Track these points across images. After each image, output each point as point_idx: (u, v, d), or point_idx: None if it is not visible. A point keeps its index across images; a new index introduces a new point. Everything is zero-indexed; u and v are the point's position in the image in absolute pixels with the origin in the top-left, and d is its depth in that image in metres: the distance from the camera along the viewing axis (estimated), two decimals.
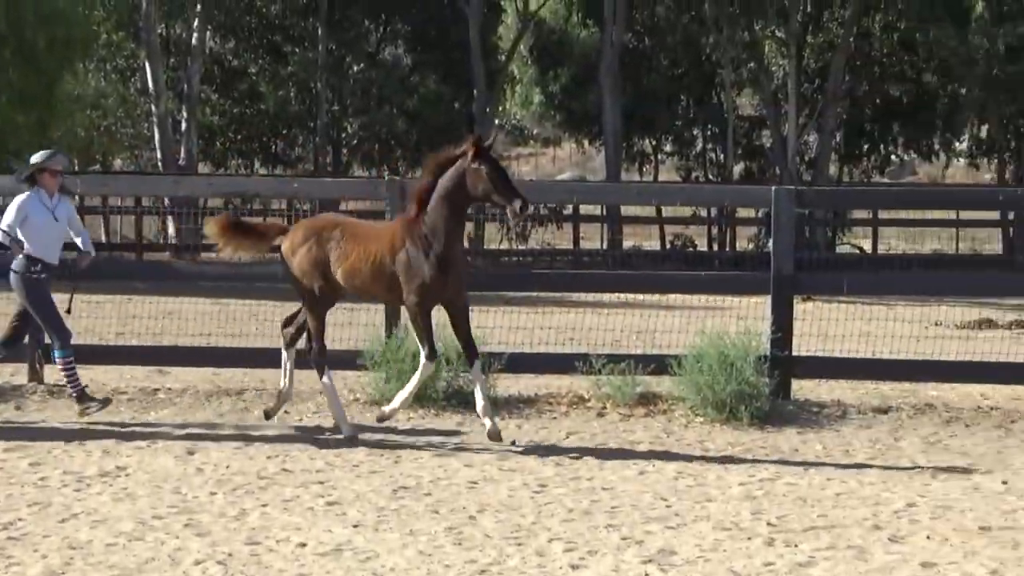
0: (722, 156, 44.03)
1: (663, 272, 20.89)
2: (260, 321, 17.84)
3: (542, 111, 47.38)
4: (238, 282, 17.56)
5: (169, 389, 14.31)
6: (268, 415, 12.77)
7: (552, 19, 45.49)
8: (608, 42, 39.84)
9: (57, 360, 12.95)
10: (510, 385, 14.13)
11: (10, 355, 13.41)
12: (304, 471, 10.95)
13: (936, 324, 21.11)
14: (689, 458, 11.71)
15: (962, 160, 46.78)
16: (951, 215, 38.38)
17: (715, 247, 39.14)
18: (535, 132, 59.29)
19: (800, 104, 39.49)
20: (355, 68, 45.50)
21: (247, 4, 45.20)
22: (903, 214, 38.02)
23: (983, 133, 43.12)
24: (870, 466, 11.59)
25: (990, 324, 21.82)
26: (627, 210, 37.40)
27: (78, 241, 13.30)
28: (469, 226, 24.72)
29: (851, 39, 39.32)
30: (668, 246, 39.92)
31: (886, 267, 31.36)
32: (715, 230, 39.88)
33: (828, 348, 16.00)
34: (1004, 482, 10.91)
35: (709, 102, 44.90)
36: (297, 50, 45.41)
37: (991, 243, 41.84)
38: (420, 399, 13.11)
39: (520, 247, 36.37)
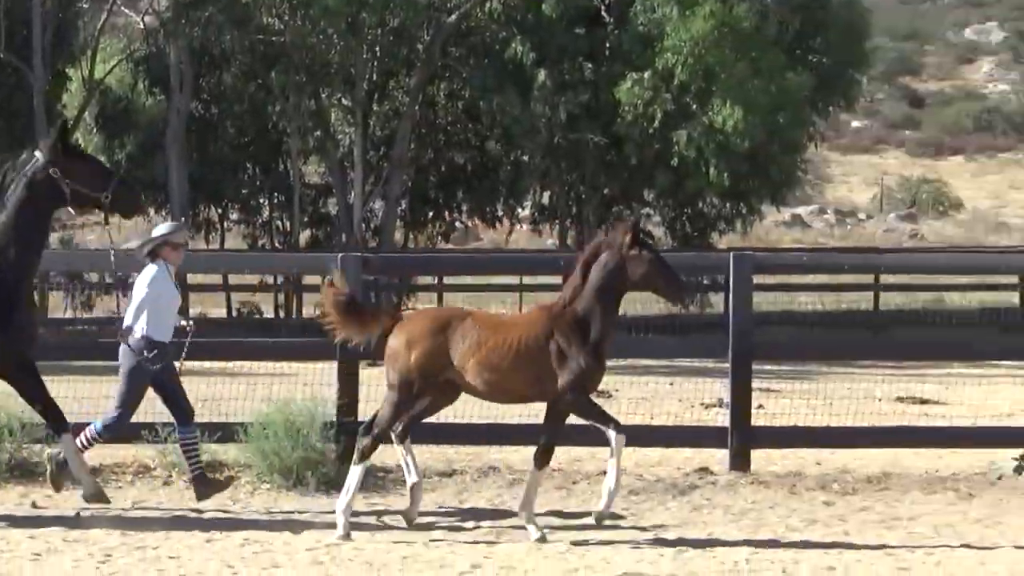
0: (288, 223, 44.00)
1: (233, 339, 20.72)
2: None
3: None
4: None
5: None
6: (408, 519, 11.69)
7: (118, 87, 44.72)
8: (174, 110, 39.46)
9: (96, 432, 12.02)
10: None
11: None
12: None
13: None
14: (256, 524, 11.64)
15: (525, 226, 47.95)
16: (515, 280, 39.35)
17: (282, 314, 39.11)
18: None
19: (366, 171, 39.84)
20: None
21: None
22: (468, 279, 38.73)
23: (545, 199, 44.30)
24: (436, 528, 11.73)
25: None
26: (193, 278, 36.99)
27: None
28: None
29: (416, 107, 39.93)
30: (235, 313, 39.67)
31: None
32: (281, 297, 39.88)
33: None
34: (573, 543, 11.18)
35: (276, 170, 44.83)
36: None
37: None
38: None
39: (84, 315, 35.59)
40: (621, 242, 11.34)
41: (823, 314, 38.59)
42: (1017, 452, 14.37)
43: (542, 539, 11.14)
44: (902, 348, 19.04)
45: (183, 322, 12.46)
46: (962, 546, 11.15)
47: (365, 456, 11.41)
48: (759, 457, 14.00)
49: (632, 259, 11.31)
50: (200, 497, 12.14)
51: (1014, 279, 38.28)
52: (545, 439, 11.42)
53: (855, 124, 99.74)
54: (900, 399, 19.68)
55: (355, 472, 11.32)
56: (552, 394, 11.29)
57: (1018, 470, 14.18)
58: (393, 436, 11.52)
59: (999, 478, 13.98)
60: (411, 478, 11.62)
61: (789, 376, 18.80)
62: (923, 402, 19.81)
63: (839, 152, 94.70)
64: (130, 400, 12.09)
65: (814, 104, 39.75)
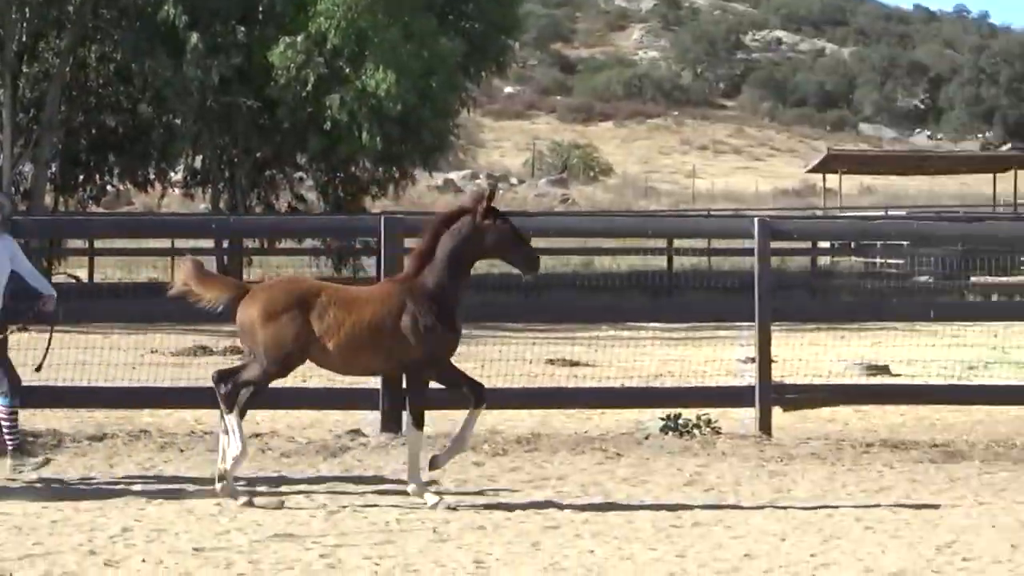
0: None
1: None
2: None
3: None
4: None
5: None
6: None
7: None
8: None
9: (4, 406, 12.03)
10: None
11: None
12: None
13: (152, 352, 21.23)
14: None
15: (177, 190, 47.23)
16: (167, 243, 38.79)
17: None
18: None
19: (15, 134, 38.66)
20: None
21: None
22: (119, 243, 37.95)
23: (198, 163, 43.71)
24: (85, 492, 11.52)
25: (205, 351, 22.14)
26: None
27: (32, 283, 12.29)
28: None
29: (67, 69, 38.94)
30: None
31: (104, 295, 31.18)
32: None
33: (45, 378, 15.74)
34: (217, 504, 11.10)
35: None
36: None
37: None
38: None
39: None
40: (476, 210, 11.36)
41: (476, 277, 38.93)
42: (663, 412, 14.83)
43: (437, 505, 11.11)
44: (553, 311, 19.36)
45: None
46: (609, 504, 11.46)
47: (230, 405, 11.20)
48: None
49: (487, 228, 11.38)
50: (13, 469, 12.09)
51: (662, 243, 39.34)
52: (413, 406, 11.40)
53: (508, 90, 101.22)
54: (551, 361, 20.07)
55: (231, 419, 11.18)
56: (410, 365, 11.32)
57: (664, 429, 14.63)
58: (226, 403, 11.24)
59: (646, 438, 14.39)
60: (238, 446, 11.27)
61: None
62: (573, 364, 20.24)
63: (492, 117, 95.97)
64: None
65: (466, 69, 40.13)
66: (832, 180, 56.34)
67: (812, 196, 68.35)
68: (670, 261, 39.82)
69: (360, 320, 11.17)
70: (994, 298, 31.56)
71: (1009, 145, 65.67)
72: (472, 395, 11.46)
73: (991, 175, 55.06)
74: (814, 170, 57.88)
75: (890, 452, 13.73)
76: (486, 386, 11.70)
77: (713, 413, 14.56)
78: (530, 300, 28.00)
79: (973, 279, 33.76)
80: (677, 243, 39.33)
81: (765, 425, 14.27)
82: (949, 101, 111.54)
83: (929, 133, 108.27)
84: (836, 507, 11.33)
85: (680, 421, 14.67)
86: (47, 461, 12.33)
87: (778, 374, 15.55)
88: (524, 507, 11.23)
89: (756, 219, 15.36)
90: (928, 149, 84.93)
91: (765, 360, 14.51)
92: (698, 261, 40.31)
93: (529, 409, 15.42)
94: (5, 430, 12.23)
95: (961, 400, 15.97)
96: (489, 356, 17.44)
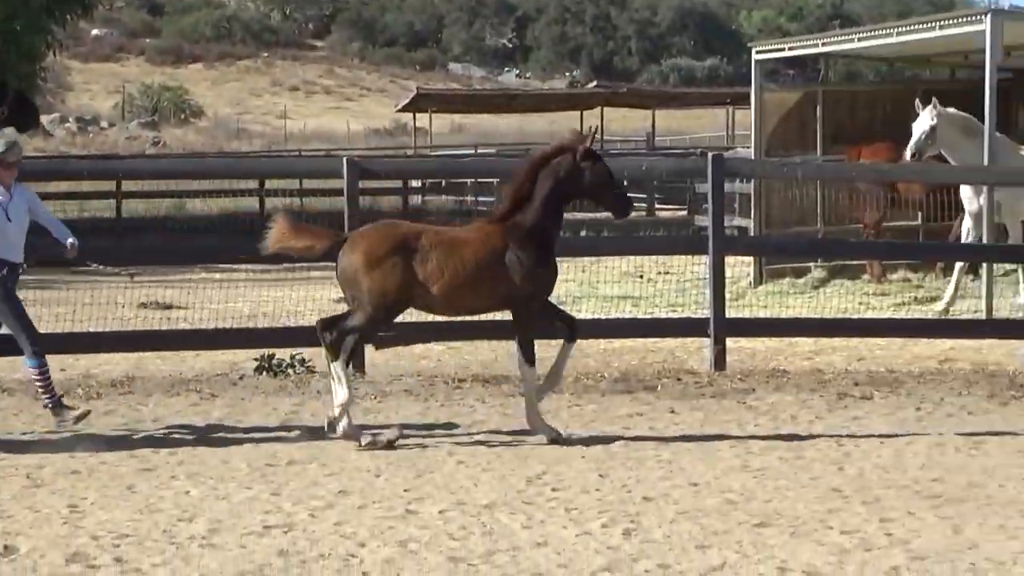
0: None
1: None
2: None
3: None
4: None
5: None
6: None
7: None
8: None
9: (30, 369, 11.92)
10: None
11: None
12: None
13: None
14: None
15: None
16: None
17: None
18: None
19: None
20: None
21: None
22: None
23: None
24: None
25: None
26: None
27: (51, 230, 12.19)
28: None
29: None
30: None
31: None
32: None
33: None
34: None
35: None
36: None
37: None
38: None
39: None
40: (576, 151, 11.48)
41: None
42: (257, 353, 14.87)
43: (557, 439, 11.46)
44: (145, 254, 19.06)
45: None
46: (204, 444, 11.50)
47: (336, 353, 11.40)
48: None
49: (585, 169, 11.48)
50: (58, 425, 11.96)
51: (254, 184, 39.17)
52: (524, 343, 11.62)
53: (95, 32, 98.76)
54: (143, 305, 19.81)
55: (337, 366, 11.37)
56: (516, 304, 11.53)
57: (258, 370, 14.68)
58: (331, 351, 11.41)
59: (240, 378, 14.41)
60: (344, 392, 11.38)
61: (36, 285, 18.44)
62: (167, 307, 20.02)
63: (80, 60, 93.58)
64: (18, 322, 11.85)
65: (51, 12, 39.02)
66: (423, 119, 56.92)
67: (404, 136, 68.98)
68: (262, 202, 39.70)
69: (463, 261, 11.36)
70: (583, 234, 32.48)
71: (595, 83, 67.37)
72: (567, 328, 11.81)
73: (578, 112, 56.53)
74: (404, 109, 58.34)
75: (482, 387, 14.04)
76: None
77: (307, 353, 14.65)
78: (123, 244, 27.54)
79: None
80: (269, 184, 39.26)
81: (359, 363, 14.43)
82: (536, 40, 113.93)
83: (518, 72, 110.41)
84: (430, 442, 11.60)
85: (274, 361, 14.73)
86: (87, 413, 12.09)
87: None
88: (119, 450, 11.15)
89: (345, 159, 15.50)
90: (517, 88, 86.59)
91: None
92: (290, 202, 40.27)
93: (122, 352, 15.25)
94: (40, 390, 12.04)
95: (550, 335, 16.39)
96: (81, 300, 17.15)
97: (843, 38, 24.33)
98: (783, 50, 24.73)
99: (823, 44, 24.30)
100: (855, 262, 21.63)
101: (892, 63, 32.08)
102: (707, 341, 14.94)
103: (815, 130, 23.67)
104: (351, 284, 11.41)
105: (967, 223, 19.02)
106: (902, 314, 18.62)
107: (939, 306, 18.67)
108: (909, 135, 18.88)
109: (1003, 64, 20.66)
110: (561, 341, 11.91)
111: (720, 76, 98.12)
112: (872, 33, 22.78)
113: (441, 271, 11.29)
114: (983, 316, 17.75)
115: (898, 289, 20.62)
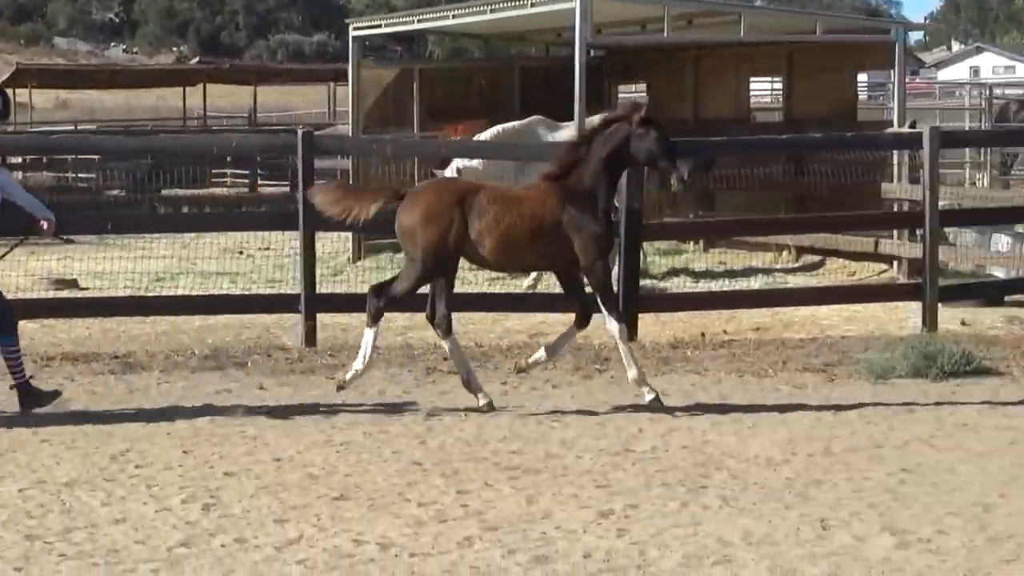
0: None
1: None
2: None
3: None
4: None
5: None
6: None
7: None
8: None
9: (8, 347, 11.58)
10: None
11: None
12: None
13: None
14: None
15: None
16: None
17: None
18: None
19: None
20: None
21: None
22: None
23: None
24: None
25: None
26: None
27: (27, 209, 11.83)
28: None
29: None
30: None
31: None
32: None
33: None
34: None
35: None
36: None
37: None
38: None
39: None
40: (632, 118, 11.65)
41: None
42: None
43: (656, 400, 11.70)
44: None
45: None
46: None
47: (376, 319, 11.80)
48: None
49: (641, 136, 11.63)
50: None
51: None
52: (607, 304, 11.79)
53: None
54: None
55: (369, 333, 11.79)
56: (565, 263, 11.81)
57: None
58: (369, 316, 11.83)
59: None
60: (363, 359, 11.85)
61: None
62: None
63: None
64: None
65: None
66: (24, 95, 55.40)
67: None
68: None
69: (521, 218, 11.59)
70: (185, 210, 32.15)
71: (197, 59, 66.64)
72: (579, 314, 11.98)
73: (182, 88, 55.79)
74: (4, 85, 56.68)
75: (72, 365, 13.88)
76: None
77: None
78: None
79: (164, 192, 34.29)
80: None
81: None
82: (143, 14, 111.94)
83: (125, 47, 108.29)
84: (14, 421, 11.45)
85: None
86: (57, 394, 11.87)
87: None
88: None
89: None
90: (123, 63, 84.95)
91: None
92: None
93: None
94: (10, 370, 11.77)
95: (144, 311, 16.31)
96: None
97: (439, 15, 24.71)
98: (380, 27, 25.03)
99: (419, 21, 24.69)
100: None
101: (488, 40, 32.74)
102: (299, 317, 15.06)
103: (412, 107, 24.03)
104: (409, 238, 11.71)
105: None
106: (497, 289, 19.08)
107: (526, 283, 19.28)
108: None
109: (595, 42, 21.35)
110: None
111: (328, 52, 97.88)
112: (467, 10, 23.22)
113: (497, 224, 11.57)
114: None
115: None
